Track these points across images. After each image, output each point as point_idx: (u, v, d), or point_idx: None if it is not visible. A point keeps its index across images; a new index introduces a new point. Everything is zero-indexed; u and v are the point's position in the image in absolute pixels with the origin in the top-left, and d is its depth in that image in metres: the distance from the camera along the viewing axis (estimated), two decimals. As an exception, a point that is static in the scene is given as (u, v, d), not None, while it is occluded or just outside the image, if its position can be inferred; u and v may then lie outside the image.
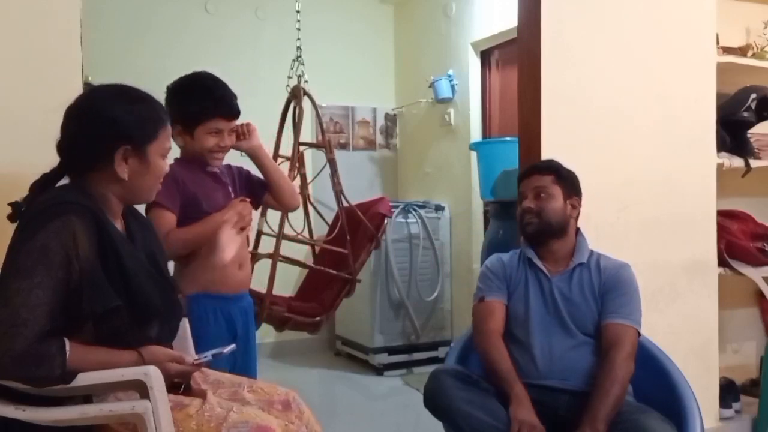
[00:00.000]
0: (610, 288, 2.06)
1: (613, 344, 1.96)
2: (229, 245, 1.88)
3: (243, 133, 2.13)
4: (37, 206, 1.42)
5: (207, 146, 2.04)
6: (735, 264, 2.88)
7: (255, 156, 2.18)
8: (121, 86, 1.55)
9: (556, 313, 2.06)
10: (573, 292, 2.08)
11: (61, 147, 1.49)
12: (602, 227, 2.47)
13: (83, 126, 1.48)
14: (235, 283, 2.11)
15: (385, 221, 3.52)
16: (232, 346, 1.61)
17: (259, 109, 4.71)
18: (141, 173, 1.50)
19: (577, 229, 2.19)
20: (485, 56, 4.41)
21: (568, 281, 2.10)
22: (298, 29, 3.42)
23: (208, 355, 1.54)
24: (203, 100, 2.02)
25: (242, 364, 2.09)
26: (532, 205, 2.13)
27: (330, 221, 3.50)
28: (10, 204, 1.47)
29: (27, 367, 1.30)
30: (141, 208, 1.74)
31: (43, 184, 1.50)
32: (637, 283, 2.10)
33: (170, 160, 1.76)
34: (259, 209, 2.64)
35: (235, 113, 2.08)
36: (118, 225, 1.54)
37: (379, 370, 4.18)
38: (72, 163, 1.50)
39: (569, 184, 2.16)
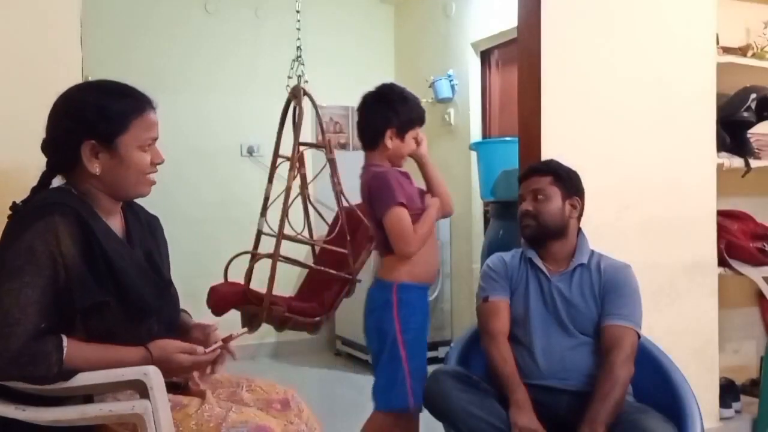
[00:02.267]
0: (610, 289, 2.05)
1: (613, 346, 1.95)
2: None
3: (419, 141, 2.29)
4: (25, 208, 1.44)
5: (413, 149, 2.26)
6: (735, 264, 2.87)
7: (423, 163, 2.33)
8: (96, 82, 1.54)
9: (555, 313, 2.06)
10: (573, 293, 2.07)
11: (42, 147, 1.50)
12: (602, 227, 2.46)
13: (52, 124, 1.48)
14: (435, 275, 2.36)
15: (386, 221, 3.51)
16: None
17: (259, 109, 4.70)
18: (115, 167, 1.47)
19: (579, 229, 2.18)
20: (485, 56, 4.41)
21: (568, 282, 2.09)
22: (298, 29, 3.41)
23: (219, 341, 1.55)
24: (418, 108, 2.26)
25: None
26: (530, 207, 2.12)
27: (330, 221, 3.49)
28: (11, 207, 1.48)
29: (23, 366, 1.31)
30: (150, 207, 1.72)
31: (39, 186, 1.50)
32: (638, 284, 2.09)
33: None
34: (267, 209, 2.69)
35: None
36: (115, 222, 1.54)
37: (379, 370, 4.17)
38: (52, 162, 1.50)
39: (568, 184, 2.14)
